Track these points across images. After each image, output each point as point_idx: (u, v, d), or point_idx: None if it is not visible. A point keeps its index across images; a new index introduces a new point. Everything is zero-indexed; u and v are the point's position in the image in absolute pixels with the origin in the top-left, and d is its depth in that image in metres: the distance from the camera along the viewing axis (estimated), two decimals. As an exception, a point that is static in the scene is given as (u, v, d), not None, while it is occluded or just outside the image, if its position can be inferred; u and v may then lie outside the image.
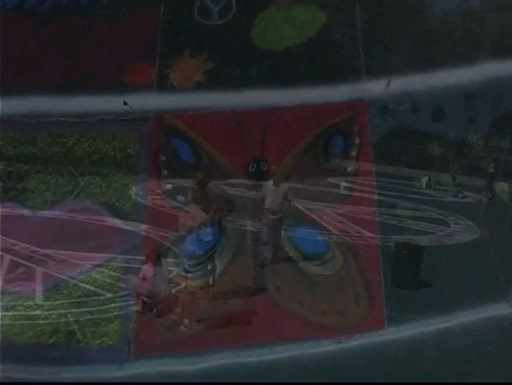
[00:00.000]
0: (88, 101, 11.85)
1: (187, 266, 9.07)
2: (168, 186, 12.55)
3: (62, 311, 7.78)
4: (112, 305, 8.12)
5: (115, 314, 7.92)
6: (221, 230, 10.40)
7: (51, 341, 7.18)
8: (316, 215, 12.25)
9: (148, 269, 7.93)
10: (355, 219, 12.03)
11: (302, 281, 9.45)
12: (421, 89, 12.98)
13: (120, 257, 9.46)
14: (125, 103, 11.99)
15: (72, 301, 8.11)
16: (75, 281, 8.63)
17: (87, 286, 8.53)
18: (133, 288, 7.99)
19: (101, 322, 7.64)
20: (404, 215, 12.16)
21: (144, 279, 7.86)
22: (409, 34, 13.55)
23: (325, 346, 7.66)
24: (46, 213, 10.93)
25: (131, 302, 8.12)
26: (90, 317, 7.69)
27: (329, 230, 11.55)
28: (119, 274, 8.94)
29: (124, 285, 8.39)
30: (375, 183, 13.17)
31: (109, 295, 8.35)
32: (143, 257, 8.42)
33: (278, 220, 9.85)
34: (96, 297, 8.28)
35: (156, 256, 8.14)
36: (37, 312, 7.72)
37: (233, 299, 8.62)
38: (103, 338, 7.37)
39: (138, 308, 7.96)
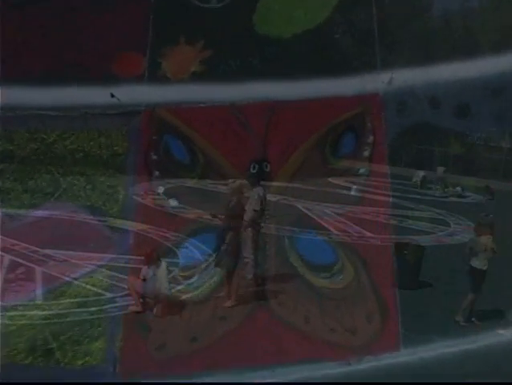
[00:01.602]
0: (71, 93, 11.88)
1: (179, 278, 9.19)
2: (160, 188, 12.56)
3: (39, 323, 7.79)
4: (97, 318, 8.13)
5: (100, 329, 7.91)
6: (220, 238, 10.46)
7: (27, 361, 7.16)
8: (324, 220, 12.25)
9: (147, 270, 8.39)
10: (367, 223, 12.04)
11: (309, 296, 9.43)
12: (444, 82, 12.97)
13: (105, 263, 9.50)
14: (112, 96, 12.03)
15: (52, 313, 8.12)
16: (53, 295, 8.65)
17: (68, 300, 8.55)
18: (133, 288, 8.42)
19: (84, 340, 7.62)
20: (420, 217, 12.34)
21: (144, 280, 8.35)
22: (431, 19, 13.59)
23: (333, 368, 7.63)
24: (23, 216, 10.93)
25: (115, 313, 8.26)
26: (71, 334, 7.67)
27: (338, 237, 11.56)
28: (107, 281, 9.10)
29: (109, 294, 8.62)
30: (389, 185, 13.20)
31: (93, 309, 8.37)
32: (131, 262, 8.73)
33: (256, 233, 9.47)
34: (80, 310, 8.31)
35: (156, 256, 8.56)
36: (11, 328, 7.70)
37: (231, 316, 8.60)
38: (86, 358, 7.35)
39: (138, 308, 8.34)
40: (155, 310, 8.32)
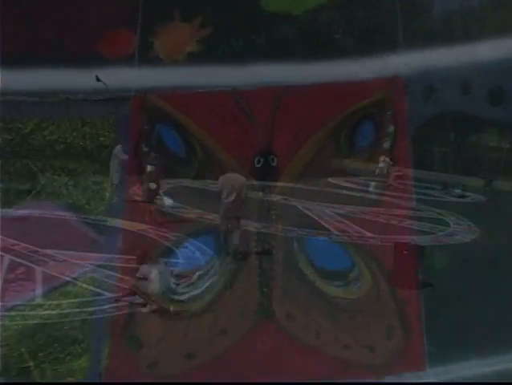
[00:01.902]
0: (51, 76, 11.84)
1: (173, 286, 9.19)
2: (153, 185, 12.53)
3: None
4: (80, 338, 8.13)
5: (83, 345, 7.90)
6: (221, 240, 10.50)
7: (-1, 382, 7.15)
8: (331, 224, 12.25)
9: (147, 269, 8.82)
10: (388, 226, 12.03)
11: (320, 306, 9.40)
12: (477, 63, 12.85)
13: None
14: (98, 79, 11.98)
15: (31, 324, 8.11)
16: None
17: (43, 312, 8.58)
18: (144, 290, 8.77)
19: (65, 358, 7.60)
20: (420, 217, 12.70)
21: (145, 279, 8.78)
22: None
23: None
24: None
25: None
26: (50, 350, 7.65)
27: (352, 241, 11.55)
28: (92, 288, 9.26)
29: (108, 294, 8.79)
30: (412, 184, 13.20)
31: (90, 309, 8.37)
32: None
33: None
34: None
35: (153, 255, 9.15)
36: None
37: (233, 329, 8.56)
38: (68, 378, 7.33)
39: (154, 306, 8.68)
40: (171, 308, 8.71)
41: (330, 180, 13.70)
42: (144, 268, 8.86)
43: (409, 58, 12.97)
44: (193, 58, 12.74)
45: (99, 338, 8.11)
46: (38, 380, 7.18)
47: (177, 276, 9.64)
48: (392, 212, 12.88)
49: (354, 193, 13.67)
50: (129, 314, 8.59)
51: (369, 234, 11.81)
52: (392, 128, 13.33)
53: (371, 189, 13.43)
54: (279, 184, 11.73)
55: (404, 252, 10.35)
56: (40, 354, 7.56)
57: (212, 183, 12.95)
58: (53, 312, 8.56)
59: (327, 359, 8.16)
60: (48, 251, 10.10)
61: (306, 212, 12.63)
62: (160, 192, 12.29)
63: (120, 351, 7.90)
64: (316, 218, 12.51)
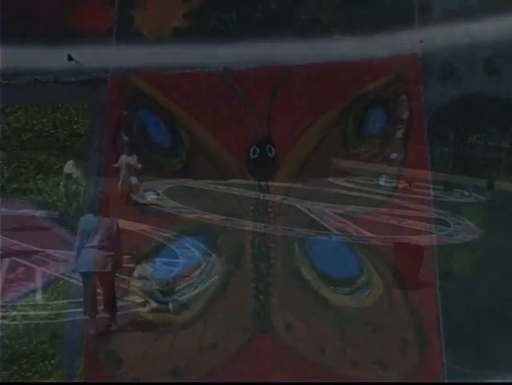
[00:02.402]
0: (18, 55, 11.78)
1: (158, 293, 9.19)
2: (134, 179, 12.55)
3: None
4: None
5: (54, 362, 7.88)
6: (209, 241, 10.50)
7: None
8: (340, 222, 12.26)
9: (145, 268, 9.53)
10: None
11: (325, 317, 9.41)
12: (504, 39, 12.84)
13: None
14: (70, 58, 11.94)
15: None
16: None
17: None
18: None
19: (33, 376, 7.60)
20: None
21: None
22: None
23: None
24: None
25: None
26: (16, 368, 7.63)
27: (361, 241, 11.57)
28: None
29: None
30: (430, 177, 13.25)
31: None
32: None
33: None
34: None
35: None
36: None
37: (225, 342, 8.54)
38: (36, 399, 7.35)
39: (153, 305, 9.12)
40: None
41: (332, 178, 13.79)
42: (138, 268, 9.25)
43: (426, 34, 12.96)
44: (180, 35, 12.70)
45: (72, 353, 8.09)
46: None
47: (162, 282, 9.65)
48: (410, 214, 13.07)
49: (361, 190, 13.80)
50: (106, 326, 8.57)
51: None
52: (406, 114, 13.33)
53: (382, 182, 13.49)
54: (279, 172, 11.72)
55: (405, 252, 10.63)
56: (4, 373, 7.54)
57: (211, 183, 13.01)
58: (19, 323, 8.53)
59: (333, 376, 8.17)
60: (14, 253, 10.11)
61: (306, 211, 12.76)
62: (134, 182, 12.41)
63: (96, 368, 7.89)
64: (317, 218, 12.59)
